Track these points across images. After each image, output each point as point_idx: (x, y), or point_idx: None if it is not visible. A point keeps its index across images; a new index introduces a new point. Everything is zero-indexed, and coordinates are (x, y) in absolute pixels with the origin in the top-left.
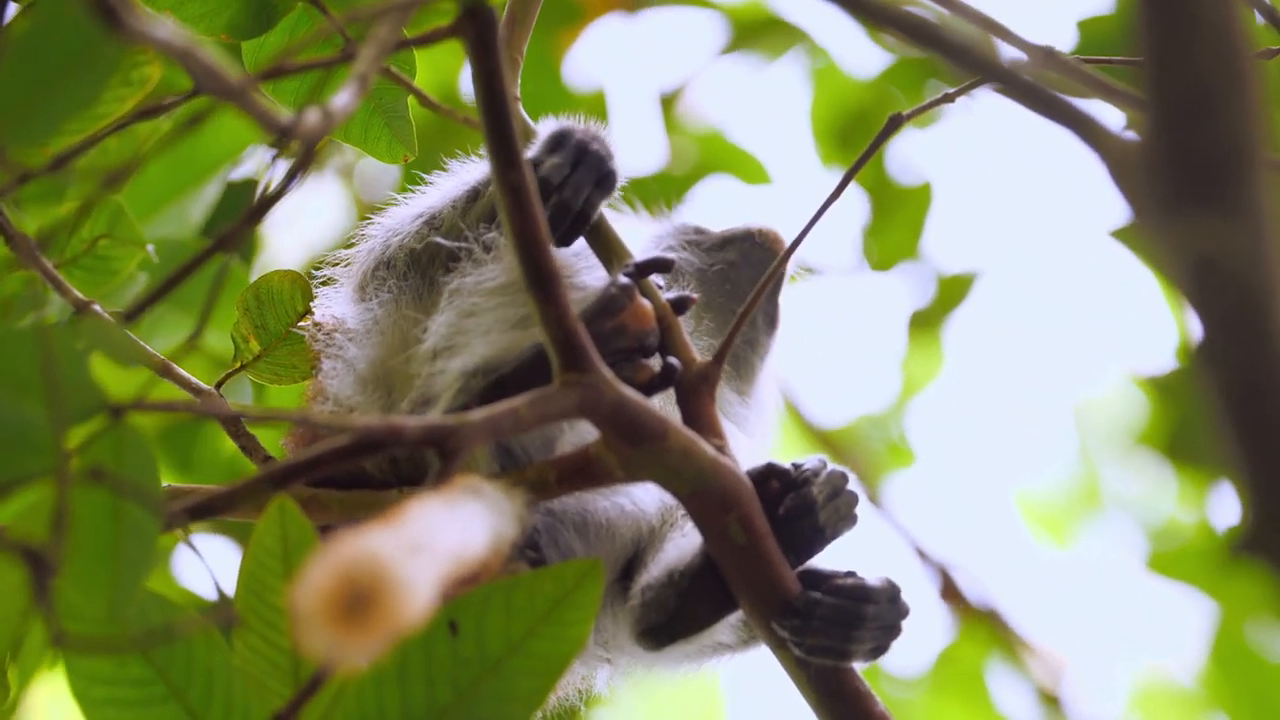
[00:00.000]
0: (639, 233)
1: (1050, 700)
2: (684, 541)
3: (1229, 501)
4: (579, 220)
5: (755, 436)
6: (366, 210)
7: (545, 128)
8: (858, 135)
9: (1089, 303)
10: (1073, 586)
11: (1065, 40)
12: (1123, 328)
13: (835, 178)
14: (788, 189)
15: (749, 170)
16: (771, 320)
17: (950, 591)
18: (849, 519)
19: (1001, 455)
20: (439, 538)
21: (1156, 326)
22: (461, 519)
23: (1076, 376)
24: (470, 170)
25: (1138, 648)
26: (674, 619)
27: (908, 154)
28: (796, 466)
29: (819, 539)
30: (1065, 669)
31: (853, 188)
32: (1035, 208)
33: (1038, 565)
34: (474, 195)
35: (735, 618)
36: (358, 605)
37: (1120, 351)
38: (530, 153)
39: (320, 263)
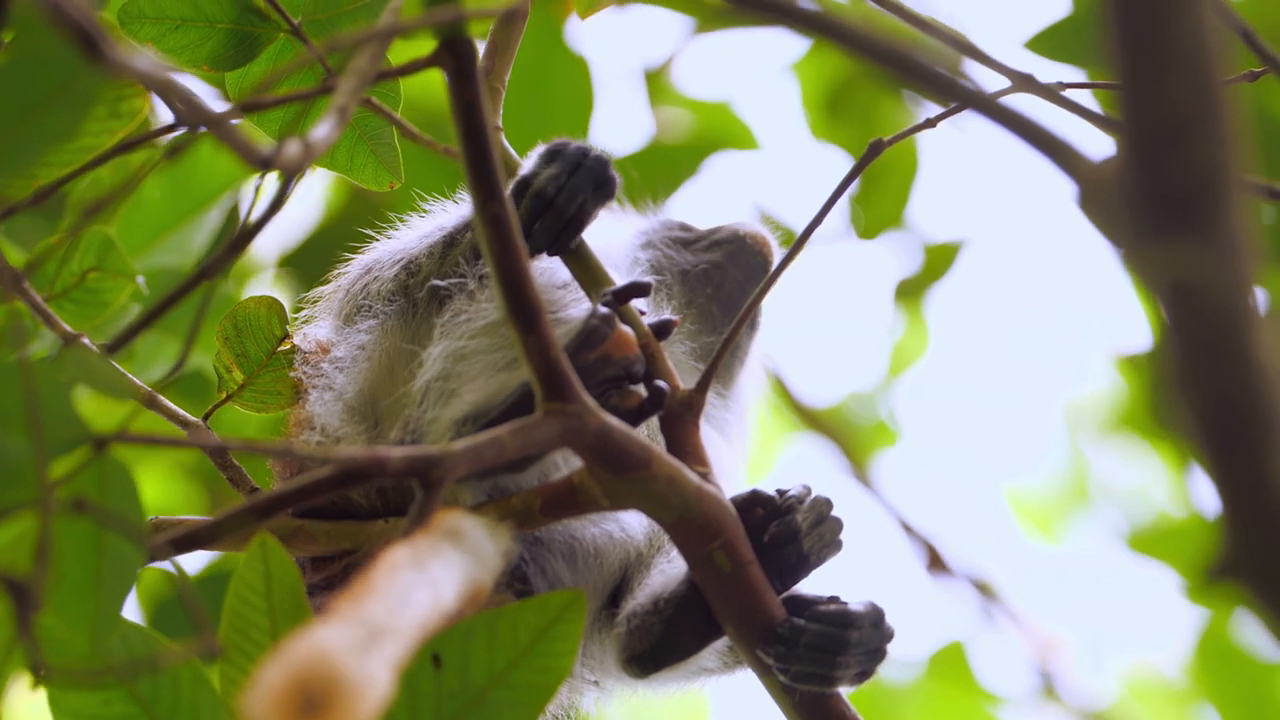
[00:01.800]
0: (625, 228)
1: (1041, 678)
2: (670, 568)
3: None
4: (573, 226)
5: (735, 439)
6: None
7: (540, 147)
8: (846, 103)
9: (1074, 273)
10: (1062, 578)
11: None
12: (1107, 298)
13: (824, 147)
14: (778, 156)
15: (739, 138)
16: (752, 323)
17: (937, 564)
18: (833, 545)
19: (990, 436)
20: (404, 612)
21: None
22: (432, 578)
23: (1061, 350)
24: (447, 214)
25: (1126, 640)
26: (660, 646)
27: (895, 124)
28: (781, 493)
29: (803, 565)
30: (1055, 645)
31: (840, 154)
32: (1022, 176)
33: (1027, 556)
34: (450, 241)
35: (721, 643)
36: (311, 709)
37: (1105, 325)
38: (526, 167)
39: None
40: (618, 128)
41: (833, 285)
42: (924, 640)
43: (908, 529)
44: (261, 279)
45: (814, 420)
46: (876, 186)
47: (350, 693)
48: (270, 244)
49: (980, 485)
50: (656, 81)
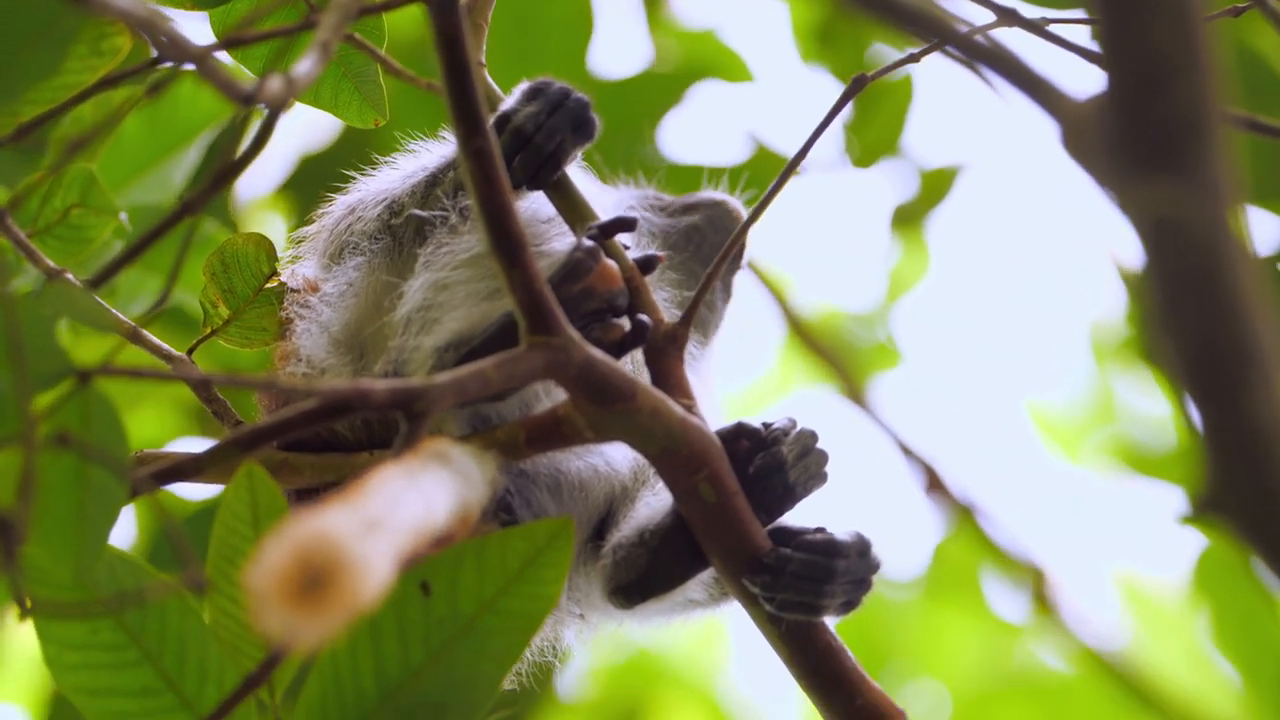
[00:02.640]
0: (600, 198)
1: (1041, 601)
2: (655, 500)
3: None
4: (551, 164)
5: (711, 387)
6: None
7: (522, 85)
8: (837, 29)
9: (1071, 197)
10: (1079, 496)
11: None
12: (1105, 220)
13: (816, 75)
14: (769, 85)
15: (733, 69)
16: (726, 293)
17: (936, 487)
18: (819, 477)
19: (1000, 354)
20: (399, 512)
21: None
22: (424, 489)
23: (1062, 270)
24: (430, 154)
25: (1132, 560)
26: (645, 577)
27: (889, 51)
28: (766, 425)
29: (789, 497)
30: (1053, 571)
31: (832, 82)
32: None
33: (1044, 474)
34: (433, 180)
35: (707, 575)
36: (313, 586)
37: (1102, 245)
38: (507, 104)
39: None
40: (612, 56)
41: (829, 213)
42: (921, 562)
43: (907, 451)
44: (258, 210)
45: (812, 342)
46: (871, 115)
47: (352, 572)
48: (266, 176)
49: (993, 403)
50: (652, 11)
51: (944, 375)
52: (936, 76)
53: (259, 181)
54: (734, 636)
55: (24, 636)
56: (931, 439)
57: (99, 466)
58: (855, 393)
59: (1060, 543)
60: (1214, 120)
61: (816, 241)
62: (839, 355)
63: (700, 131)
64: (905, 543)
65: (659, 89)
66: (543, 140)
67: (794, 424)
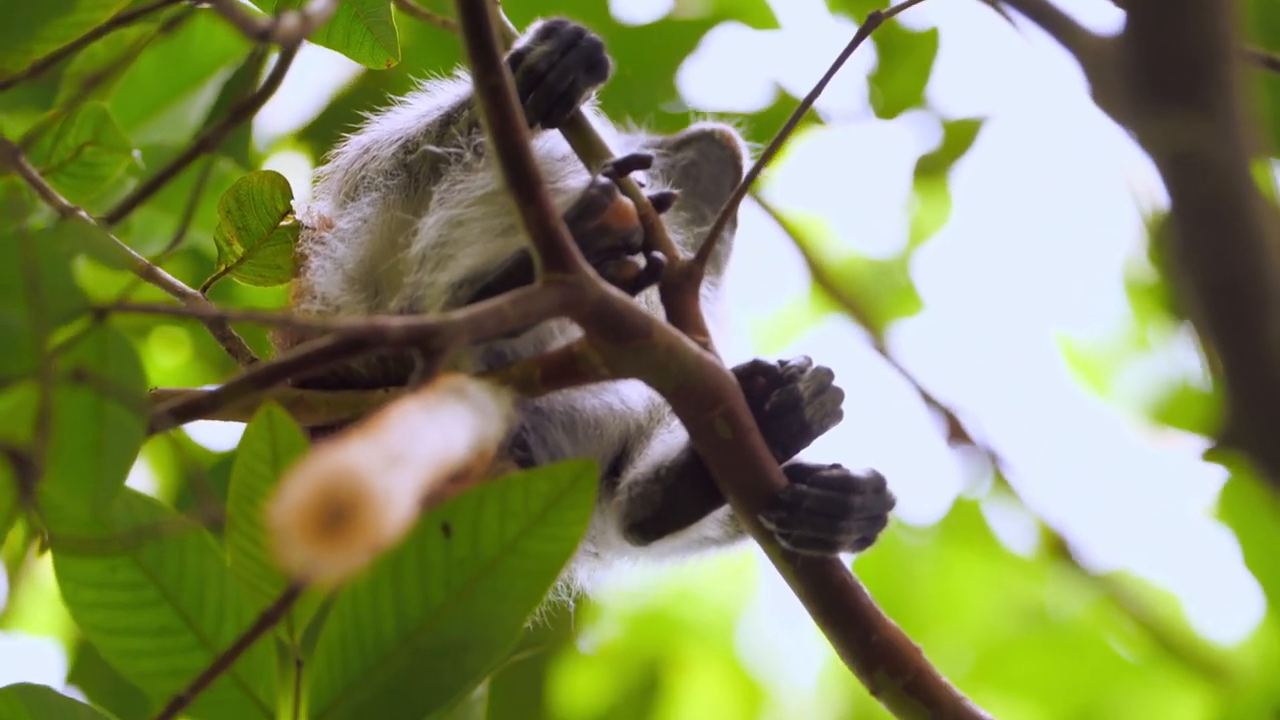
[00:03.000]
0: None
1: (1057, 545)
2: (670, 438)
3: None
4: (563, 103)
5: (725, 326)
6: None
7: (536, 24)
8: None
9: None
10: (1109, 433)
11: None
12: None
13: (842, 24)
14: (794, 33)
15: (758, 15)
16: (733, 223)
17: (958, 435)
18: (835, 414)
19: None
20: (419, 445)
21: None
22: (443, 423)
23: (1087, 216)
24: (445, 94)
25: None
26: (661, 514)
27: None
28: (782, 363)
29: (805, 434)
30: (1071, 515)
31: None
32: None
33: (1067, 408)
34: (447, 119)
35: (722, 512)
36: (336, 520)
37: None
38: (520, 43)
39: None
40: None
41: (852, 164)
42: (940, 509)
43: (928, 399)
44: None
45: (834, 288)
46: (896, 66)
47: (374, 506)
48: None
49: (1019, 341)
50: None
51: (967, 321)
52: (963, 26)
53: (279, 120)
54: (754, 588)
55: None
56: (954, 387)
57: (116, 403)
58: (877, 339)
59: (1085, 482)
60: (1232, 56)
61: (839, 191)
62: (861, 302)
63: (724, 78)
64: (926, 490)
65: (680, 34)
66: (555, 79)
67: (810, 361)
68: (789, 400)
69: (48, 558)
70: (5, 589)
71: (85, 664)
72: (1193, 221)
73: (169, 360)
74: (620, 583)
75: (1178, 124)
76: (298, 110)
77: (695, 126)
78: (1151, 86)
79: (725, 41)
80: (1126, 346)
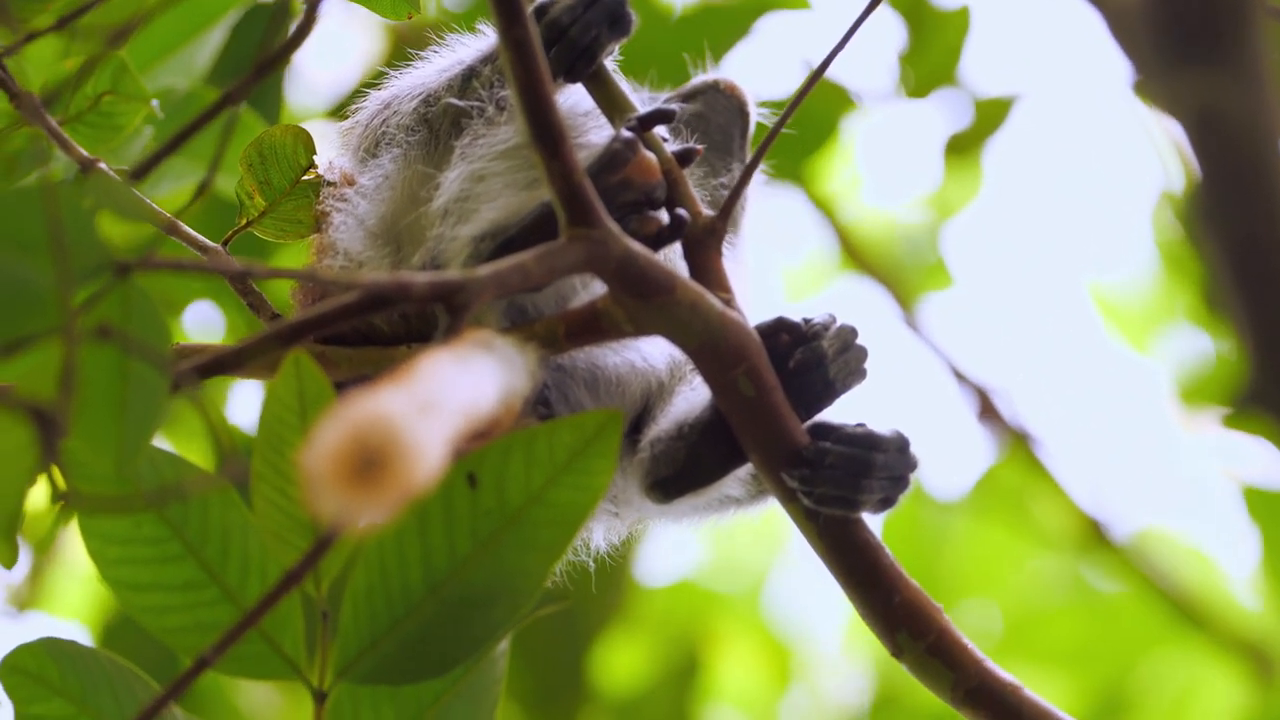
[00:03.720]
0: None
1: (1091, 525)
2: (693, 395)
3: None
4: (585, 57)
5: (744, 279)
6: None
7: None
8: None
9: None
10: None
11: None
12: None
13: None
14: (828, 15)
15: None
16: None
17: (989, 412)
18: (859, 373)
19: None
20: (450, 394)
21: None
22: (473, 373)
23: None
24: (466, 48)
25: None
26: (683, 471)
27: None
28: (806, 321)
29: (829, 392)
30: (1104, 486)
31: (889, 12)
32: (1076, 27)
33: (1099, 379)
34: (469, 74)
35: (744, 471)
36: (369, 467)
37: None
38: None
39: (349, 100)
40: None
41: (883, 141)
42: (970, 483)
43: (959, 375)
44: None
45: (863, 261)
46: (927, 45)
47: (408, 454)
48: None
49: (1053, 294)
50: None
51: (997, 295)
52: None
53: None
54: (781, 552)
55: (79, 556)
56: (984, 361)
57: (140, 360)
58: (907, 313)
59: (1118, 452)
60: (1256, 12)
61: (871, 168)
62: (890, 274)
63: (757, 62)
64: (956, 464)
65: (724, 22)
66: (578, 34)
67: (834, 319)
68: (813, 358)
69: (74, 536)
70: (28, 570)
71: (111, 645)
72: (1217, 179)
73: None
74: (653, 555)
75: (1202, 81)
76: (329, 88)
77: (699, 78)
78: (1176, 43)
79: (762, 26)
80: (1159, 314)
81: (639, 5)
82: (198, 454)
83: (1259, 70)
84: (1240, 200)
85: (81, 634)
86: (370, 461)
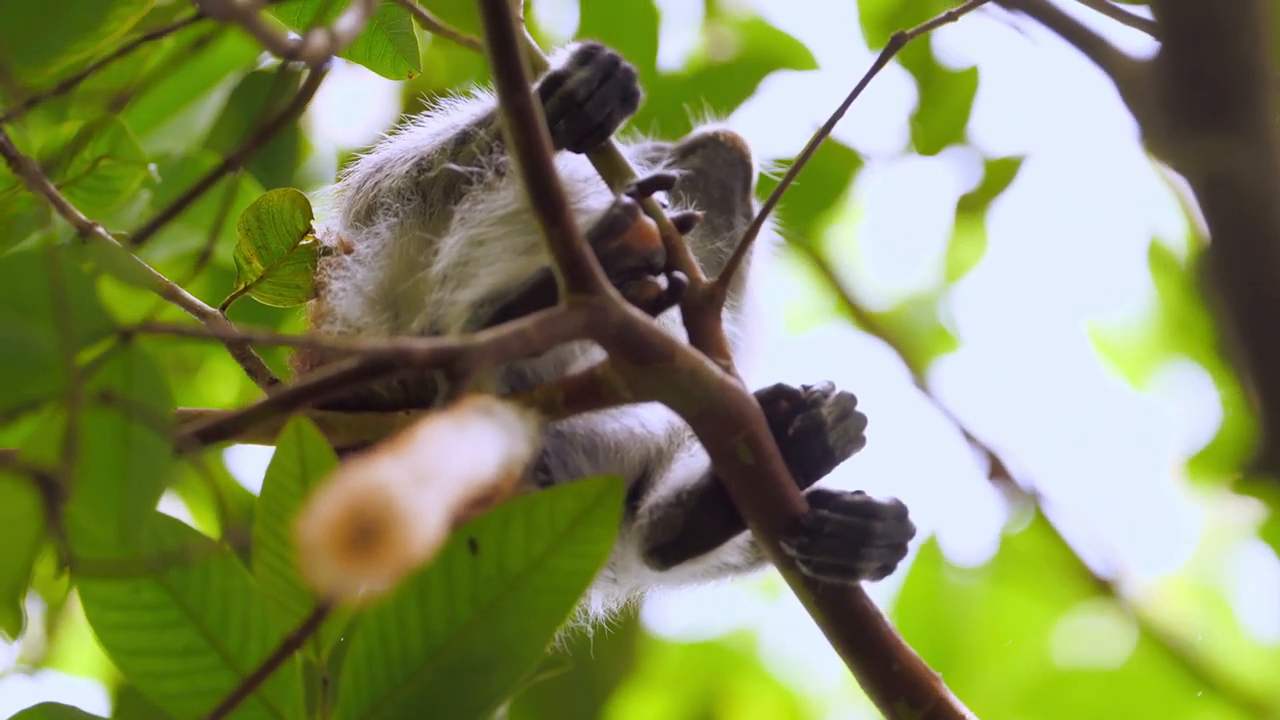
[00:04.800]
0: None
1: (1104, 588)
2: (692, 462)
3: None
4: (598, 133)
5: (751, 351)
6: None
7: (571, 46)
8: (906, 19)
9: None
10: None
11: None
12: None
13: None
14: (835, 75)
15: (796, 57)
16: (748, 218)
17: (999, 474)
18: (858, 440)
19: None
20: (449, 463)
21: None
22: (472, 441)
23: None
24: (460, 112)
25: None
26: (682, 538)
27: (955, 38)
28: (806, 388)
29: (828, 460)
30: (1117, 554)
31: (899, 72)
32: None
33: (1116, 422)
34: (464, 138)
35: (743, 538)
36: (365, 537)
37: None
38: (558, 64)
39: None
40: (674, 49)
41: (893, 201)
42: (986, 548)
43: (969, 438)
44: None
45: (872, 324)
46: (937, 104)
47: (404, 525)
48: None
49: (1059, 371)
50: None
51: (1005, 356)
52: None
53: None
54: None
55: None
56: (994, 423)
57: (142, 426)
58: (918, 377)
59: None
60: (1267, 78)
61: (877, 228)
62: (900, 338)
63: (765, 122)
64: (969, 528)
65: (730, 81)
66: (593, 109)
67: (833, 386)
68: (812, 425)
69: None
70: (38, 629)
71: (126, 706)
72: (1227, 245)
73: (222, 394)
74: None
75: (1212, 146)
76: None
77: (699, 130)
78: (1186, 109)
79: (767, 86)
80: (1163, 359)
81: (644, 68)
82: (206, 514)
83: (1269, 135)
84: (1249, 267)
85: (96, 692)
86: (367, 531)
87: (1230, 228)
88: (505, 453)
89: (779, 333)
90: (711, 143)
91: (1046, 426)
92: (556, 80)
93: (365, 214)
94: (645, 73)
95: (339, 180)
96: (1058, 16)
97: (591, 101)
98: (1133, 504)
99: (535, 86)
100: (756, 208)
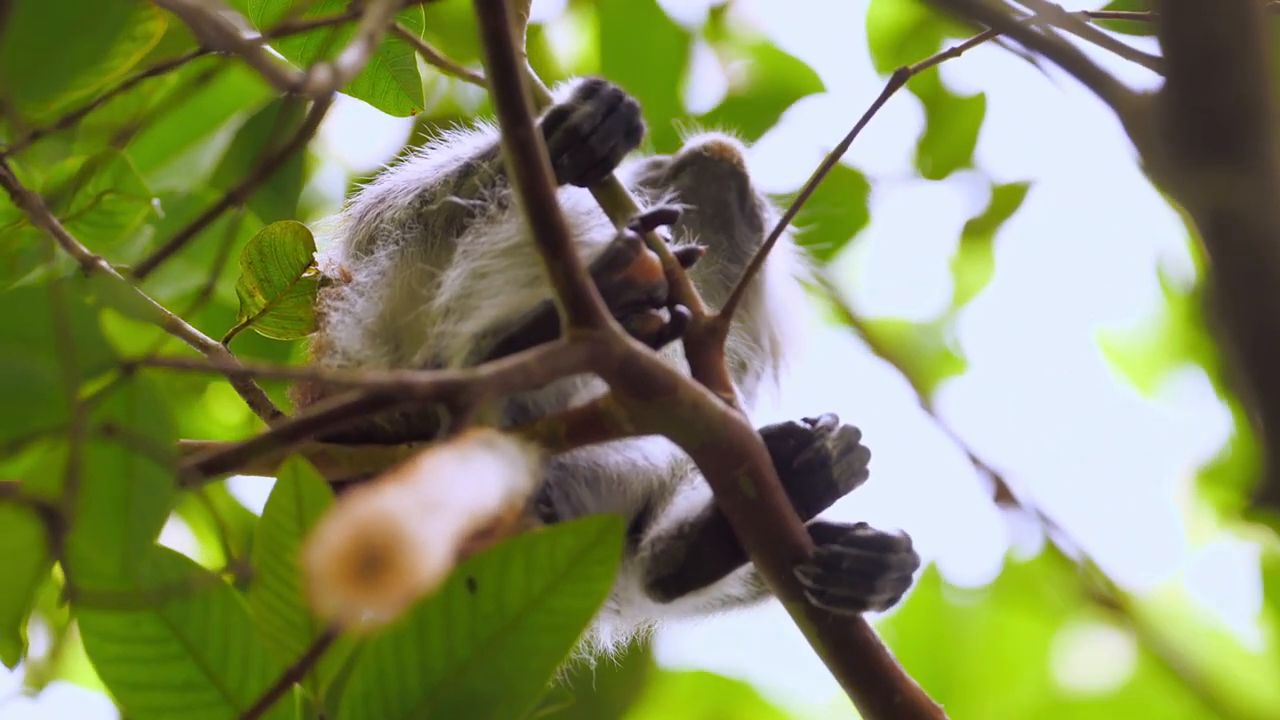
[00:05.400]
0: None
1: (1109, 610)
2: (694, 494)
3: None
4: (602, 166)
5: (779, 361)
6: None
7: (575, 80)
8: (914, 46)
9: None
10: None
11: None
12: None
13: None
14: (845, 101)
15: (805, 83)
16: (752, 223)
17: (1004, 497)
18: (861, 474)
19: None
20: (454, 494)
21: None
22: (476, 473)
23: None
24: (462, 145)
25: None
26: (684, 570)
27: (963, 64)
28: (810, 421)
29: (831, 493)
30: (1123, 575)
31: (907, 97)
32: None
33: (1117, 423)
34: (466, 170)
35: (745, 571)
36: (372, 565)
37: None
38: (562, 99)
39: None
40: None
41: (900, 226)
42: (989, 570)
43: (975, 461)
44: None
45: (878, 347)
46: (944, 130)
47: (411, 553)
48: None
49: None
50: (716, 26)
51: (1012, 380)
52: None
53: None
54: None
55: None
56: (1001, 446)
57: (145, 458)
58: (924, 400)
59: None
60: (1271, 110)
61: (885, 252)
62: (907, 362)
63: (782, 153)
64: (975, 552)
65: (750, 114)
66: (597, 144)
67: (837, 419)
68: (817, 459)
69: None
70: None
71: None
72: (1231, 280)
73: (230, 416)
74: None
75: (1216, 181)
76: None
77: (687, 146)
78: (1189, 143)
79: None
80: (1170, 371)
81: (664, 106)
82: (211, 539)
83: (1273, 170)
84: (1253, 301)
85: (106, 707)
86: (374, 559)
87: (1234, 262)
88: (508, 485)
89: (810, 343)
90: (698, 159)
91: (1053, 447)
92: (561, 115)
93: (366, 243)
94: (670, 104)
95: (344, 209)
96: (1063, 50)
97: (595, 136)
98: (1140, 523)
99: (539, 121)
100: (765, 209)
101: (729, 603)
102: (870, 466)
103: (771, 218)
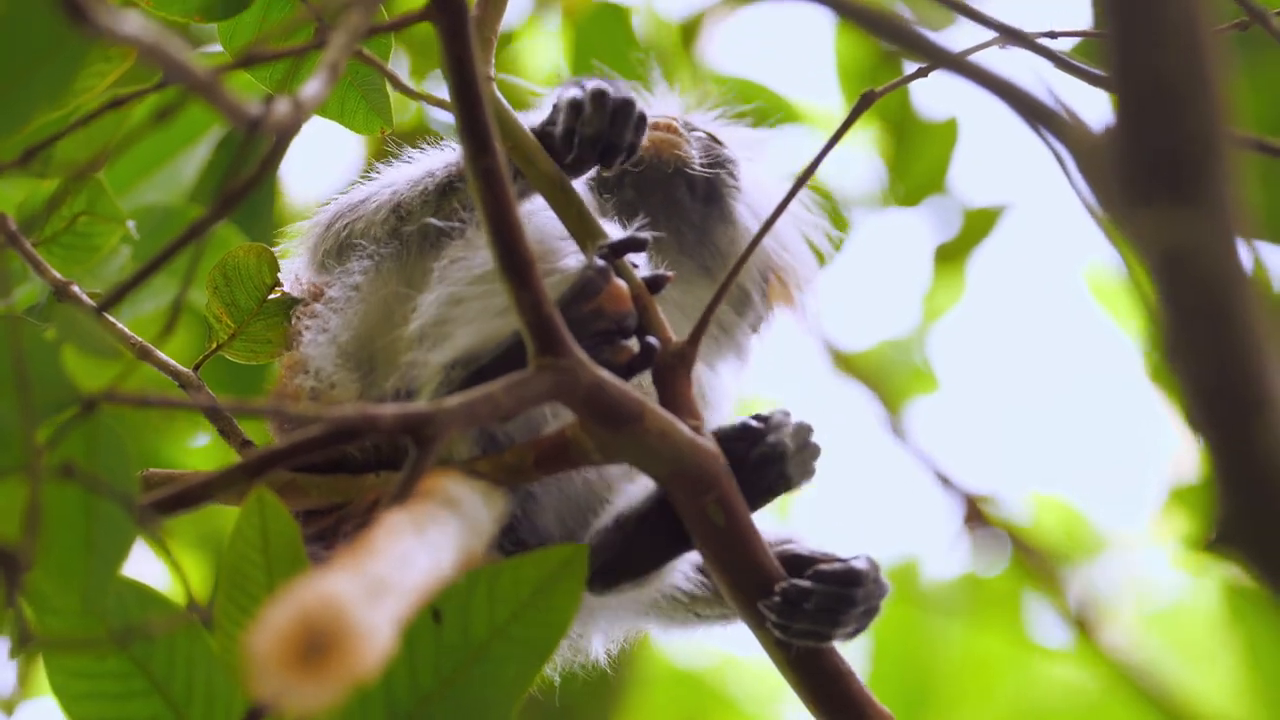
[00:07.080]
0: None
1: (1082, 627)
2: (632, 489)
3: None
4: (628, 150)
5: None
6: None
7: (587, 82)
8: (883, 74)
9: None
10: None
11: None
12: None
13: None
14: (813, 125)
15: (785, 114)
16: (710, 197)
17: (974, 517)
18: (811, 472)
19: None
20: (406, 573)
21: None
22: (432, 542)
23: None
24: (435, 160)
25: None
26: (619, 559)
27: (932, 90)
28: (762, 418)
29: (783, 487)
30: (1095, 595)
31: (879, 123)
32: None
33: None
34: (446, 188)
35: (702, 579)
36: (315, 651)
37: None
38: (574, 93)
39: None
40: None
41: (871, 250)
42: (960, 587)
43: (945, 481)
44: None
45: (849, 366)
46: (915, 156)
47: (355, 639)
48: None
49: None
50: (682, 58)
51: (982, 399)
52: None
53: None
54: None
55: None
56: (971, 466)
57: (106, 497)
58: (894, 420)
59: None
60: (1223, 147)
61: (855, 276)
62: (877, 381)
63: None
64: (946, 570)
65: None
66: (615, 135)
67: (789, 415)
68: (773, 453)
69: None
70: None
71: None
72: (1184, 319)
73: (201, 440)
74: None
75: (1168, 219)
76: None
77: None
78: (1142, 182)
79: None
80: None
81: None
82: (190, 557)
83: (1226, 208)
84: (1206, 341)
85: None
86: (317, 645)
87: (1188, 304)
88: (466, 546)
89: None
90: (644, 162)
91: (1025, 463)
92: (577, 106)
93: (336, 253)
94: None
95: (311, 216)
96: (1009, 90)
97: (614, 128)
98: (1112, 539)
99: (552, 108)
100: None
101: (692, 620)
102: (818, 464)
103: (727, 153)
